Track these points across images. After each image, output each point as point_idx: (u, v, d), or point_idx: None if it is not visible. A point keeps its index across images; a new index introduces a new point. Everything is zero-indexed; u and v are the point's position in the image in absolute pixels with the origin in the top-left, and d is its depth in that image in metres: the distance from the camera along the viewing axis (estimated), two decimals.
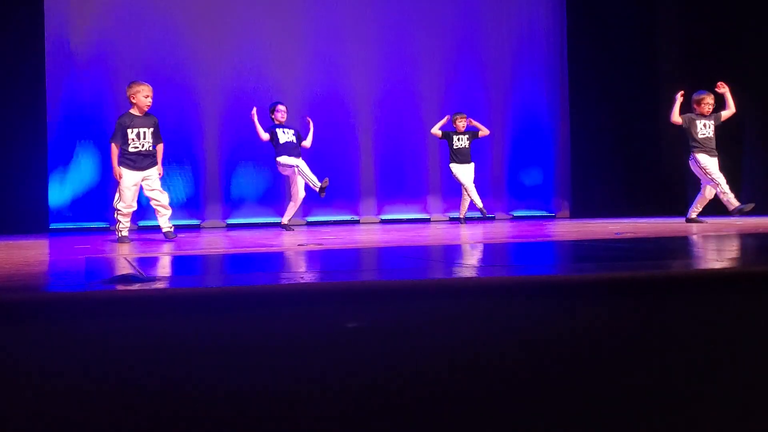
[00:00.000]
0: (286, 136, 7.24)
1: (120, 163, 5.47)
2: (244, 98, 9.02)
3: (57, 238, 6.40)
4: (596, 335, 2.03)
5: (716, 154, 6.88)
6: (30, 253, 4.17)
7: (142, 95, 5.48)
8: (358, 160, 9.50)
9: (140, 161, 5.47)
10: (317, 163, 9.34)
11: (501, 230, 6.42)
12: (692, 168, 6.97)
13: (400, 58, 9.57)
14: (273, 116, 7.32)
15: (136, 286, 2.00)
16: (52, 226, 8.30)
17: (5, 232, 7.23)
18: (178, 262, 3.55)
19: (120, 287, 1.98)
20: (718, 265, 2.49)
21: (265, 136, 7.16)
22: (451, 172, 8.26)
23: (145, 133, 5.49)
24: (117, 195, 5.54)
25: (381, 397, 1.88)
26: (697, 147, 6.85)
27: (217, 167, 9.06)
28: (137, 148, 5.46)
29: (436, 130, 8.24)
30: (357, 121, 9.49)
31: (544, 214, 10.02)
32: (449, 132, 8.23)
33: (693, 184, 9.56)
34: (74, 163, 8.61)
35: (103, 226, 8.60)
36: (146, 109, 5.54)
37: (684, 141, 9.62)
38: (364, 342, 1.91)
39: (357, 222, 9.31)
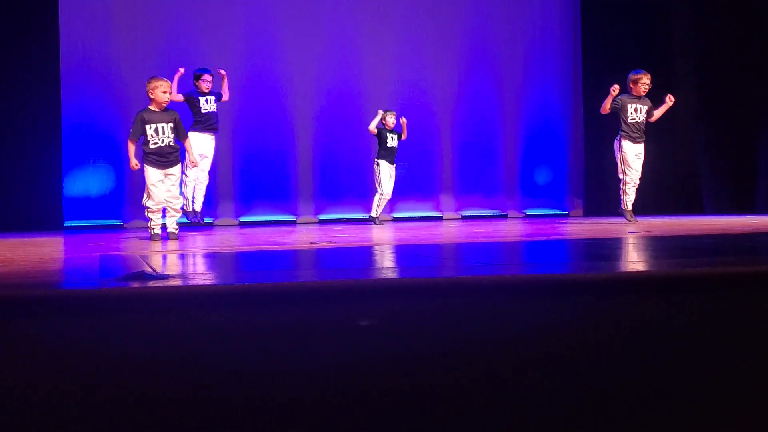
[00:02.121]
0: (208, 105, 7.07)
1: (144, 161, 5.44)
2: (255, 95, 9.05)
3: (72, 236, 6.44)
4: (609, 333, 2.02)
5: (642, 140, 6.83)
6: (45, 250, 4.20)
7: (160, 90, 5.45)
8: (371, 158, 9.50)
9: (163, 158, 5.42)
10: (329, 161, 9.39)
11: (514, 228, 6.40)
12: (615, 151, 6.89)
13: (413, 56, 9.56)
14: (197, 84, 7.10)
15: (149, 284, 2.01)
16: (67, 223, 8.35)
17: (21, 229, 7.29)
18: (191, 259, 3.56)
19: (134, 285, 1.99)
20: (730, 264, 2.47)
21: (178, 97, 6.80)
22: (376, 167, 8.10)
23: (164, 128, 5.44)
24: (145, 194, 5.48)
25: (393, 394, 1.88)
26: (624, 133, 6.81)
27: (230, 165, 9.08)
28: (157, 143, 5.42)
29: (372, 127, 8.07)
30: (369, 119, 9.48)
31: (558, 212, 9.98)
32: (383, 130, 8.08)
33: (708, 182, 9.54)
34: (89, 161, 8.66)
35: (118, 223, 8.65)
36: (164, 105, 5.50)
37: (698, 138, 9.59)
38: (377, 340, 1.91)
39: (368, 220, 9.31)
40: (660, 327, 2.04)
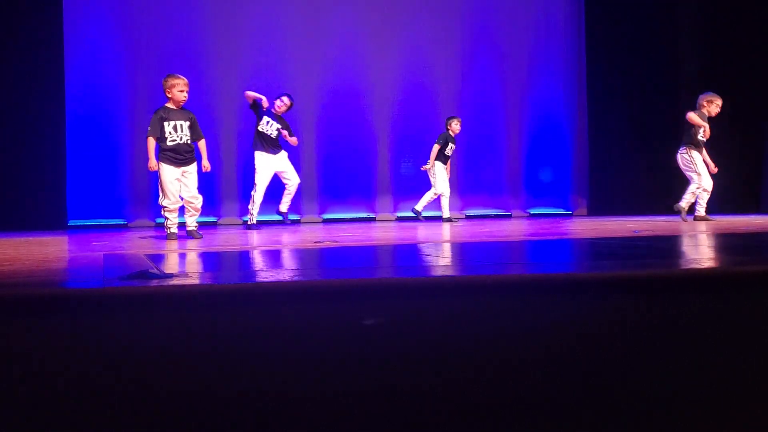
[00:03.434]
0: (267, 127, 7.18)
1: (159, 159, 5.36)
2: (260, 94, 9.04)
3: (76, 235, 6.45)
4: (612, 333, 2.02)
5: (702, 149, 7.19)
6: (49, 250, 4.21)
7: (177, 89, 5.39)
8: (375, 158, 9.50)
9: (179, 155, 5.35)
10: (334, 160, 9.39)
11: (518, 228, 6.40)
12: (679, 161, 7.15)
13: (417, 55, 9.56)
14: (274, 101, 7.28)
15: (153, 283, 2.01)
16: (71, 222, 8.37)
17: (25, 228, 7.31)
18: (195, 258, 3.56)
19: (137, 284, 1.99)
20: (735, 264, 2.46)
21: (252, 94, 7.11)
22: (434, 170, 8.25)
23: (182, 126, 5.39)
24: (161, 193, 5.41)
25: (397, 393, 1.88)
26: (692, 144, 7.07)
27: (234, 164, 9.09)
28: (175, 141, 5.35)
29: (435, 151, 8.25)
30: (373, 119, 9.48)
31: (562, 211, 9.97)
32: (446, 137, 8.27)
33: (713, 181, 9.50)
34: (93, 161, 8.68)
35: (122, 222, 8.66)
36: (182, 103, 5.45)
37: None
38: (381, 339, 1.91)
39: (373, 219, 9.31)
40: (664, 326, 2.03)
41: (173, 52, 8.76)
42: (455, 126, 8.29)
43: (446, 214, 8.29)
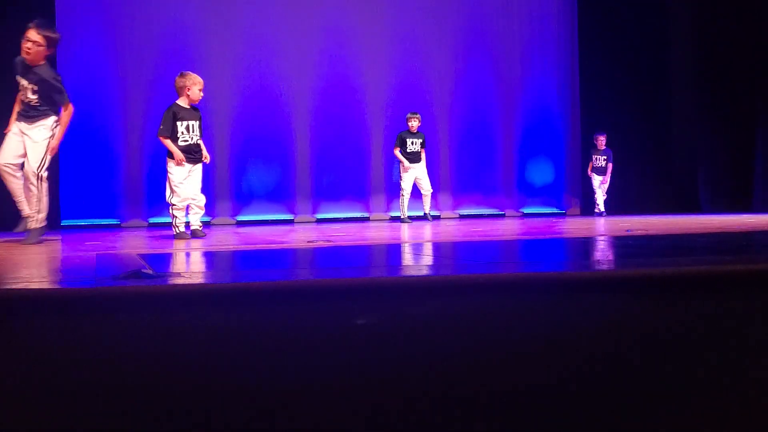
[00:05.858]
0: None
1: (170, 157, 5.26)
2: (252, 93, 9.04)
3: (68, 235, 6.43)
4: (605, 332, 2.02)
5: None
6: (42, 249, 4.20)
7: (198, 88, 5.30)
8: (368, 157, 9.50)
9: (190, 155, 5.27)
10: (327, 159, 9.39)
11: (511, 227, 6.41)
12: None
13: (411, 54, 9.56)
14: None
15: (146, 283, 2.00)
16: (64, 222, 8.34)
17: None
18: (187, 258, 3.56)
19: (130, 283, 1.99)
20: (728, 263, 2.47)
21: None
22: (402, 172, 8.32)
23: (193, 126, 5.32)
24: (168, 191, 5.31)
25: (389, 393, 1.89)
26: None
27: (227, 163, 9.07)
28: (187, 141, 5.27)
29: (396, 152, 8.31)
30: (367, 118, 9.48)
31: (555, 211, 9.99)
32: (402, 136, 8.31)
33: (704, 182, 9.56)
34: (86, 160, 8.65)
35: (115, 222, 8.64)
36: (196, 102, 5.35)
37: (695, 138, 9.66)
38: (373, 339, 1.91)
39: (367, 219, 9.31)
40: (656, 326, 2.04)
41: (166, 51, 8.73)
42: (411, 122, 8.31)
43: (402, 213, 8.33)
